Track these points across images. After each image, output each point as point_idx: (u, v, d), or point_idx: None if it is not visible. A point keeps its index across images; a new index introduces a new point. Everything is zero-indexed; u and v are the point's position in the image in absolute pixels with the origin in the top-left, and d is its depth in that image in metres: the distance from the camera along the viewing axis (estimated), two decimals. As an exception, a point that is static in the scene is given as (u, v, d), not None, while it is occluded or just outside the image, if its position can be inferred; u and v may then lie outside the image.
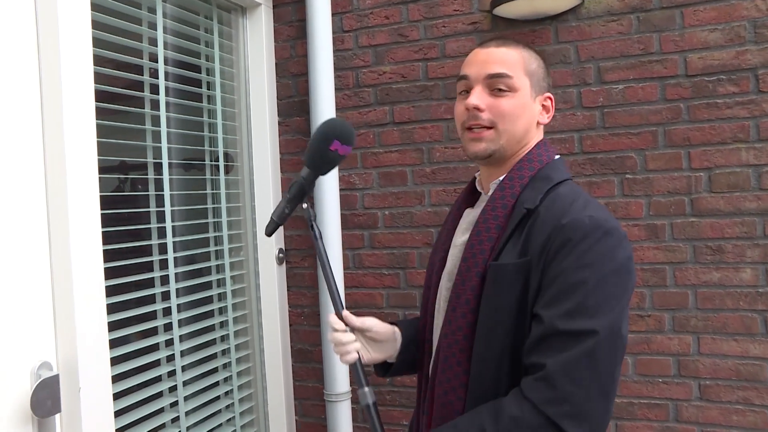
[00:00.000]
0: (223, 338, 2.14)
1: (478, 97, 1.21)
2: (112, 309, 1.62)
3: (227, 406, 2.12)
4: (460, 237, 1.26)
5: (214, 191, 2.14)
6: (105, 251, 1.54)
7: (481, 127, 1.21)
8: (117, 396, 1.63)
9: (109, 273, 1.59)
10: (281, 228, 2.29)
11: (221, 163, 2.15)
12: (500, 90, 1.21)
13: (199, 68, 2.09)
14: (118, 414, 1.62)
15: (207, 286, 2.08)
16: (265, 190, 2.26)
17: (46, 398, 1.32)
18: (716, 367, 1.86)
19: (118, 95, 1.70)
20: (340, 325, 1.27)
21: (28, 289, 1.34)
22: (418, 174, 2.14)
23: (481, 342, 1.12)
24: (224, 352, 2.13)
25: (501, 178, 1.22)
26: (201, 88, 2.10)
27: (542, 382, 1.03)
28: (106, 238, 1.57)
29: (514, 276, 1.10)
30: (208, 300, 2.09)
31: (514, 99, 1.21)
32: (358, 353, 1.24)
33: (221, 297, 2.14)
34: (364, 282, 2.23)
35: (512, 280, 1.10)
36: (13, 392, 1.29)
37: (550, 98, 1.26)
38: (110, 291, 1.61)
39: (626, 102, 1.91)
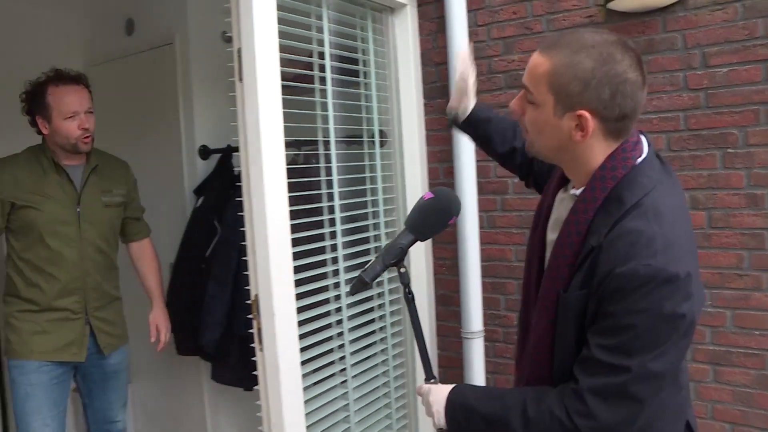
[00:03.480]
0: (378, 283, 2.61)
1: (515, 100, 1.29)
2: (294, 257, 2.11)
3: (381, 339, 2.60)
4: (551, 234, 1.36)
5: (371, 162, 2.59)
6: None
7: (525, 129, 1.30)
8: (300, 323, 2.12)
9: (291, 229, 2.08)
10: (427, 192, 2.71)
11: (377, 138, 2.59)
12: (528, 101, 1.25)
13: (356, 60, 2.53)
14: (302, 336, 2.10)
15: (365, 241, 2.55)
16: (413, 161, 2.68)
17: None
18: (811, 322, 2.07)
19: (295, 87, 2.15)
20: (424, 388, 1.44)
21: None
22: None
23: (557, 353, 1.29)
24: (379, 295, 2.60)
25: (577, 194, 1.27)
26: (359, 77, 2.54)
27: (576, 395, 1.19)
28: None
29: (576, 305, 1.21)
30: (366, 252, 2.55)
31: (535, 113, 1.24)
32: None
33: (377, 250, 2.60)
34: (497, 239, 2.61)
35: (575, 309, 1.21)
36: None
37: (582, 116, 1.17)
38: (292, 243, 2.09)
39: (729, 83, 2.11)
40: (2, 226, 2.41)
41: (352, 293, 1.50)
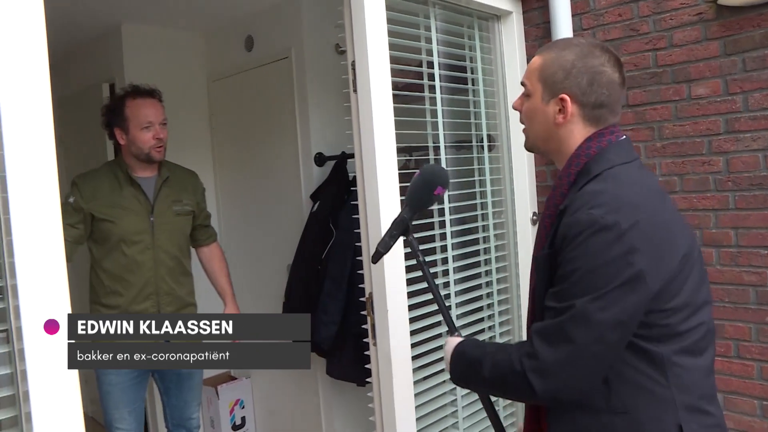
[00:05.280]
0: (488, 284, 2.68)
1: (516, 99, 1.47)
2: (406, 257, 2.21)
3: (490, 338, 2.67)
4: None
5: (480, 166, 2.67)
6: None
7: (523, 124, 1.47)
8: (411, 321, 2.21)
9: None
10: (534, 193, 2.76)
11: (485, 143, 2.67)
12: (524, 95, 1.43)
13: (464, 67, 2.62)
14: (413, 333, 2.19)
15: (475, 241, 2.63)
16: (521, 164, 2.73)
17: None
18: None
19: (406, 96, 2.27)
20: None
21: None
22: (650, 149, 2.46)
23: (537, 316, 1.36)
24: (488, 295, 2.67)
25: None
26: (467, 84, 2.62)
27: (528, 340, 1.29)
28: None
29: (545, 265, 1.31)
30: (476, 253, 2.63)
31: (528, 103, 1.42)
32: None
33: (486, 250, 2.67)
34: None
35: (543, 269, 1.32)
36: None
37: (563, 99, 1.34)
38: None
39: None
40: (86, 236, 2.55)
41: (373, 262, 1.66)
